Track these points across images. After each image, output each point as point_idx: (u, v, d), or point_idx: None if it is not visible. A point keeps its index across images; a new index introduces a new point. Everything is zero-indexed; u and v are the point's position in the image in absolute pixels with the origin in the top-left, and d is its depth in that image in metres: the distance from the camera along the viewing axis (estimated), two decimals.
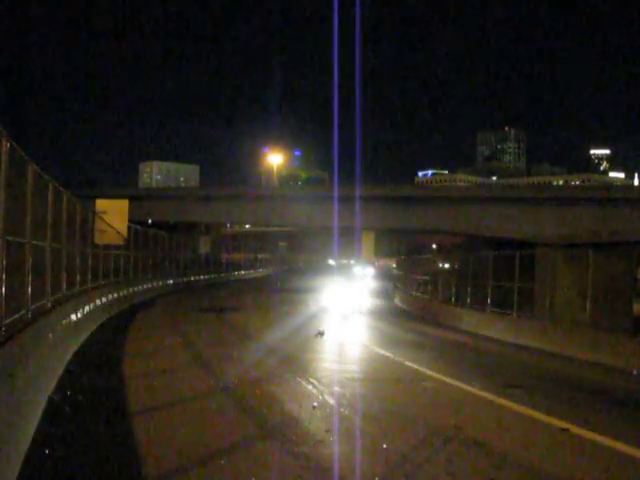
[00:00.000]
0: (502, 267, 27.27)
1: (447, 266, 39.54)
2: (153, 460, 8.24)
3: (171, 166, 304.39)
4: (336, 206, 44.86)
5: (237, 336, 23.93)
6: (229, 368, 15.68)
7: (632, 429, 11.03)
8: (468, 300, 29.21)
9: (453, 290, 31.52)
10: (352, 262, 64.67)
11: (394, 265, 65.94)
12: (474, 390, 13.82)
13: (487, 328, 25.91)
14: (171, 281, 48.66)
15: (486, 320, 26.52)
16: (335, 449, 8.99)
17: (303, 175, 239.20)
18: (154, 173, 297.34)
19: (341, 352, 20.41)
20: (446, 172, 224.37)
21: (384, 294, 49.84)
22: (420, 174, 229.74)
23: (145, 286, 38.47)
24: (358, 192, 46.35)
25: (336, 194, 46.38)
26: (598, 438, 10.02)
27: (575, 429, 10.48)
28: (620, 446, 9.63)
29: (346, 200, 45.96)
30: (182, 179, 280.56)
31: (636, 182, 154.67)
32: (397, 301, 44.82)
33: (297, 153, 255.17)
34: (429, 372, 16.08)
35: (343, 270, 62.36)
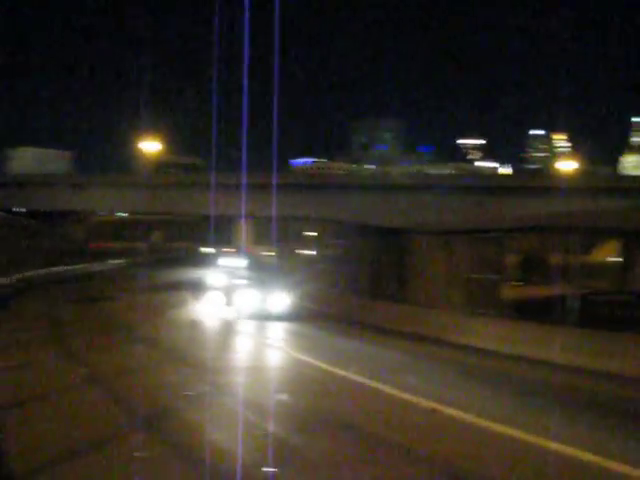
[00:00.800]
0: (379, 255, 27.71)
1: (314, 252, 38.05)
2: (19, 456, 7.93)
3: (42, 152, 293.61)
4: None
5: (111, 327, 23.34)
6: (101, 359, 15.31)
7: (494, 406, 11.53)
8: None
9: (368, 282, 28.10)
10: (232, 251, 63.00)
11: (272, 254, 65.03)
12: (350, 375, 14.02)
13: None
14: (42, 271, 47.02)
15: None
16: (211, 437, 8.90)
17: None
18: (24, 159, 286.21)
19: (225, 343, 20.26)
20: (325, 160, 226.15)
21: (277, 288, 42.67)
22: (301, 162, 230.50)
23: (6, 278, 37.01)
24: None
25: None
26: (464, 416, 10.37)
27: (444, 409, 10.79)
28: (482, 422, 10.03)
29: (225, 188, 45.53)
30: (54, 166, 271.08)
31: (501, 170, 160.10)
32: (300, 298, 31.88)
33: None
34: (309, 360, 16.20)
35: (220, 260, 58.42)
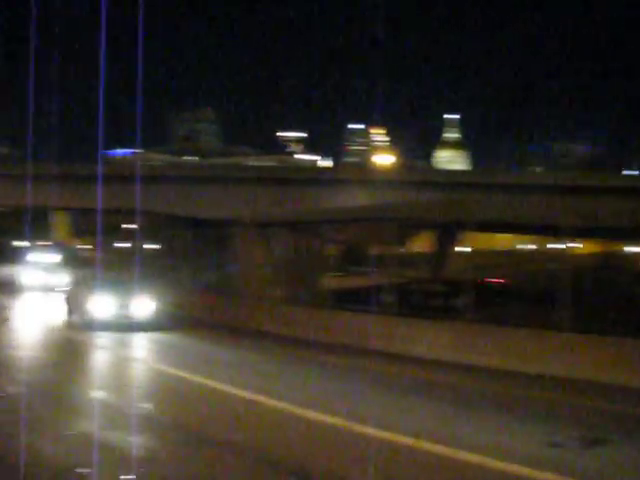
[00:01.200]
0: (204, 248, 27.57)
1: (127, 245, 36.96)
2: None
3: None
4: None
5: None
6: None
7: (311, 394, 11.88)
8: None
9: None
10: (50, 244, 59.62)
11: (89, 247, 62.54)
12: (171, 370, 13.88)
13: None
14: None
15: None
16: (22, 440, 8.32)
17: None
18: None
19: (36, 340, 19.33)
20: (142, 151, 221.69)
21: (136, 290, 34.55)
22: (121, 152, 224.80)
23: None
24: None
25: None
26: (279, 405, 10.58)
27: (264, 400, 10.93)
28: (295, 409, 10.26)
29: (40, 178, 43.60)
30: None
31: (322, 163, 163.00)
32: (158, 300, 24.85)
33: None
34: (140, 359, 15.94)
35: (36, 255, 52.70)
